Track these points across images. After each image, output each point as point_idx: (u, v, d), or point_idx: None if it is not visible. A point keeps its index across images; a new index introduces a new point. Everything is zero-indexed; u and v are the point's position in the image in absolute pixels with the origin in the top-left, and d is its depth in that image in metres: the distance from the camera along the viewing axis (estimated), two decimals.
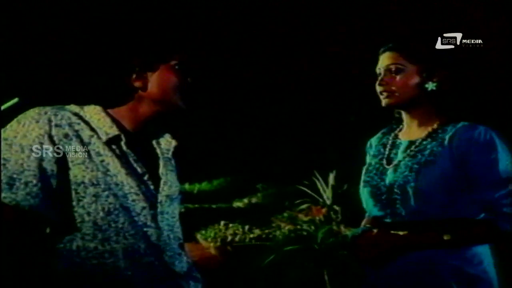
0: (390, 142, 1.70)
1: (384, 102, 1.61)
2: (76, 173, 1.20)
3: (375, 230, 1.58)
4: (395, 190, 1.56)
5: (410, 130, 1.66)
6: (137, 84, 1.29)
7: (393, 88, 1.58)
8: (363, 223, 1.77)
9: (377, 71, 1.63)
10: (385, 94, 1.59)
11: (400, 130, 1.72)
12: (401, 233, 1.54)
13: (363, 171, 1.72)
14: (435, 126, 1.61)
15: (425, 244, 1.51)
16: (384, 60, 1.61)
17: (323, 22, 5.34)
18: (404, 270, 1.53)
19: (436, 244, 1.50)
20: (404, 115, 1.66)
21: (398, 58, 1.59)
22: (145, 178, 1.28)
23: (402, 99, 1.59)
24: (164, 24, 1.38)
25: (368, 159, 1.79)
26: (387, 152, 1.68)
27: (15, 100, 3.06)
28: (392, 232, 1.55)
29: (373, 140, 1.80)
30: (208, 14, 5.08)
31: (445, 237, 1.49)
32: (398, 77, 1.58)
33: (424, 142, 1.59)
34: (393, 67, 1.59)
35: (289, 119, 6.88)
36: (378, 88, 1.61)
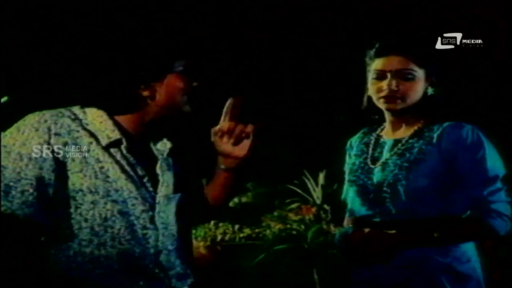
0: (373, 141, 1.70)
1: (387, 106, 1.59)
2: (74, 181, 1.22)
3: (366, 230, 1.59)
4: (385, 188, 1.57)
5: (394, 129, 1.66)
6: (145, 93, 1.31)
7: (402, 94, 1.57)
8: (345, 223, 1.77)
9: (378, 72, 1.59)
10: (390, 99, 1.57)
11: (382, 129, 1.72)
12: (391, 231, 1.55)
13: (347, 171, 1.73)
14: (420, 125, 1.62)
15: (417, 242, 1.53)
16: (393, 63, 1.57)
17: (314, 22, 5.34)
18: (396, 269, 1.54)
19: (428, 242, 1.52)
20: (387, 115, 1.66)
21: (408, 63, 1.57)
22: (145, 180, 1.29)
23: (408, 104, 1.59)
24: (169, 34, 1.40)
25: (349, 158, 1.79)
26: (370, 152, 1.68)
27: (5, 98, 3.03)
28: (384, 231, 1.56)
29: (354, 140, 1.80)
30: (210, 20, 5.09)
31: (436, 235, 1.51)
32: (408, 83, 1.57)
33: (411, 141, 1.60)
34: (404, 73, 1.56)
35: (279, 118, 6.88)
36: (384, 92, 1.58)
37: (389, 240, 1.54)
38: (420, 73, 1.58)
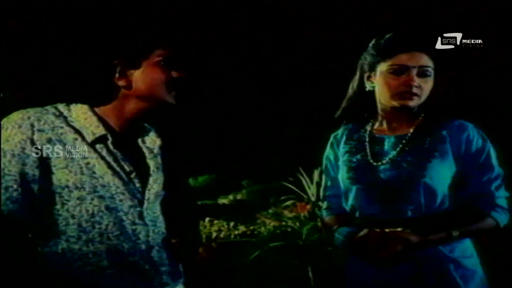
0: (366, 138, 1.66)
1: (402, 102, 1.55)
2: (59, 177, 1.21)
3: (376, 230, 1.54)
4: (397, 186, 1.54)
5: (392, 126, 1.63)
6: (121, 83, 1.29)
7: (422, 90, 1.56)
8: (331, 221, 1.71)
9: (399, 67, 1.55)
10: (409, 94, 1.54)
11: (373, 125, 1.69)
12: (399, 229, 1.52)
13: (345, 169, 1.65)
14: (419, 121, 1.61)
15: (438, 241, 1.51)
16: (417, 60, 1.55)
17: (309, 19, 5.34)
18: (409, 266, 1.52)
19: (446, 240, 1.52)
20: (386, 111, 1.62)
21: (429, 61, 1.56)
22: (132, 176, 1.28)
23: (421, 102, 1.58)
24: (142, 20, 1.37)
25: (331, 152, 1.75)
26: (368, 149, 1.64)
27: None
28: (402, 231, 1.52)
29: (339, 135, 1.75)
30: (191, 7, 5.05)
31: (454, 233, 1.51)
32: (428, 80, 1.57)
33: (417, 137, 1.58)
34: (426, 70, 1.55)
35: (274, 115, 6.88)
36: (403, 88, 1.54)
37: (414, 239, 1.50)
38: (433, 69, 1.58)
